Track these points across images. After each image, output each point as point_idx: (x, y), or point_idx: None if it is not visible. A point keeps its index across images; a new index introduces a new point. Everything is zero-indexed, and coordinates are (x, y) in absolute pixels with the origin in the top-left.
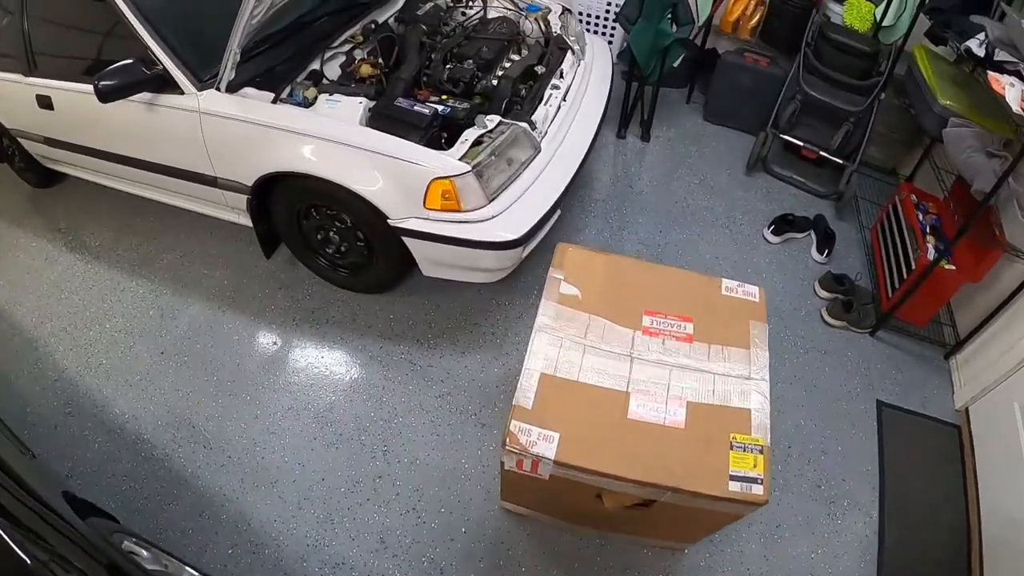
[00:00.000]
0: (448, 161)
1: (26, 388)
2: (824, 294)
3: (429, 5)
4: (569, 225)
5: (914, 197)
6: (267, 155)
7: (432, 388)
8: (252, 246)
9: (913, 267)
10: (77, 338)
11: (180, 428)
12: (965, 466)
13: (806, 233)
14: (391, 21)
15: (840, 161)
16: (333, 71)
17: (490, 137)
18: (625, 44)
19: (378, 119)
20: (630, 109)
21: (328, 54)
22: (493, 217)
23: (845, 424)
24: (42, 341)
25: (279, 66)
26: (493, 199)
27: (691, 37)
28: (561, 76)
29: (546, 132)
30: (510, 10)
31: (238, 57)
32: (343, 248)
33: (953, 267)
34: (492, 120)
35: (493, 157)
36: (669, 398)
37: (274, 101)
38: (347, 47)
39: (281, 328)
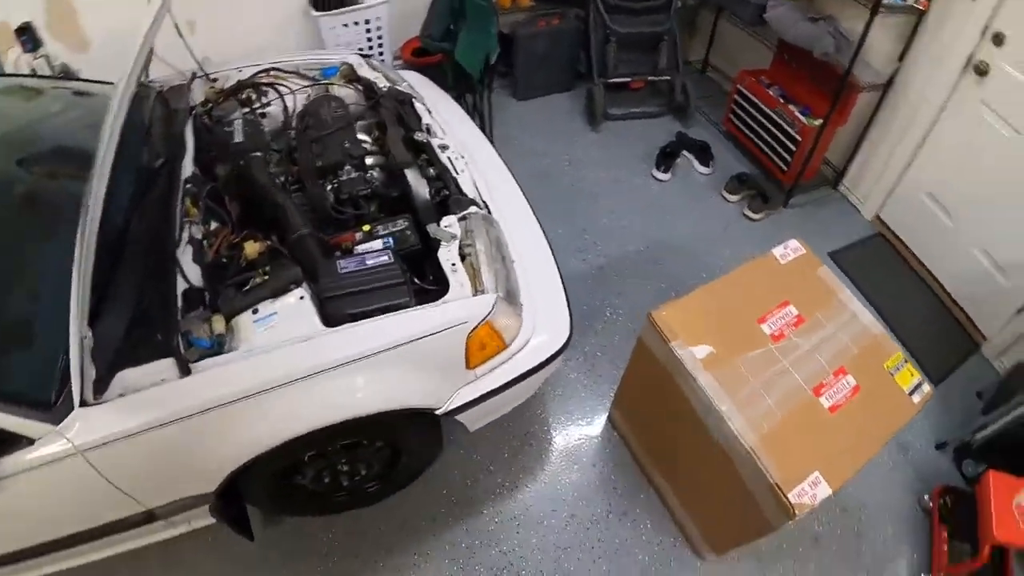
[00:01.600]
0: (472, 303)
1: None
2: (733, 198)
3: (236, 121)
4: None
5: (763, 79)
6: (230, 443)
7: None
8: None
9: (797, 137)
10: None
11: None
12: (906, 257)
13: (682, 156)
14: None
15: (668, 78)
16: (194, 276)
17: (469, 245)
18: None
19: (341, 304)
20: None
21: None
22: (533, 332)
23: None
24: None
25: (138, 315)
26: (521, 308)
27: None
28: (430, 132)
29: (485, 202)
30: (307, 86)
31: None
32: (363, 472)
33: (819, 120)
34: (450, 223)
35: (498, 266)
36: (834, 375)
37: (184, 367)
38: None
39: None
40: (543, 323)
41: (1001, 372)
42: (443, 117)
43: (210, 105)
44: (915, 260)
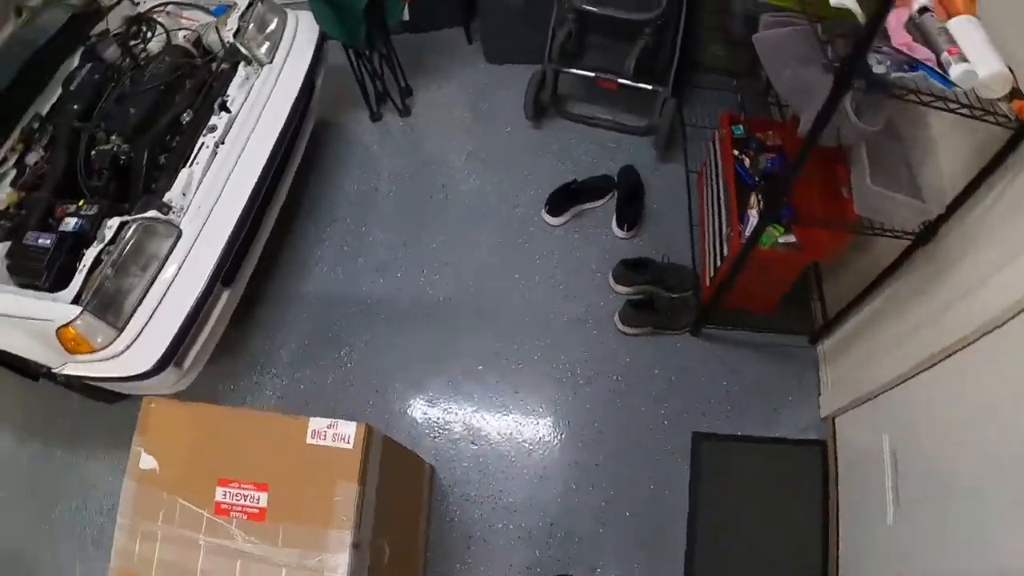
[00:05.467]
0: (58, 308)
1: None
2: (622, 289)
3: (85, 68)
4: (298, 265)
5: (739, 128)
6: None
7: None
8: None
9: (724, 244)
10: None
11: None
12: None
13: (605, 199)
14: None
15: (647, 87)
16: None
17: (108, 252)
18: None
19: (11, 269)
20: (376, 86)
21: None
22: (128, 347)
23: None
24: None
25: None
26: (126, 324)
27: None
28: (226, 109)
29: (188, 206)
30: (195, 28)
31: None
32: None
33: (792, 239)
34: (111, 227)
35: (110, 280)
36: None
37: None
38: (12, 161)
39: None
40: (141, 349)
41: None
42: (265, 86)
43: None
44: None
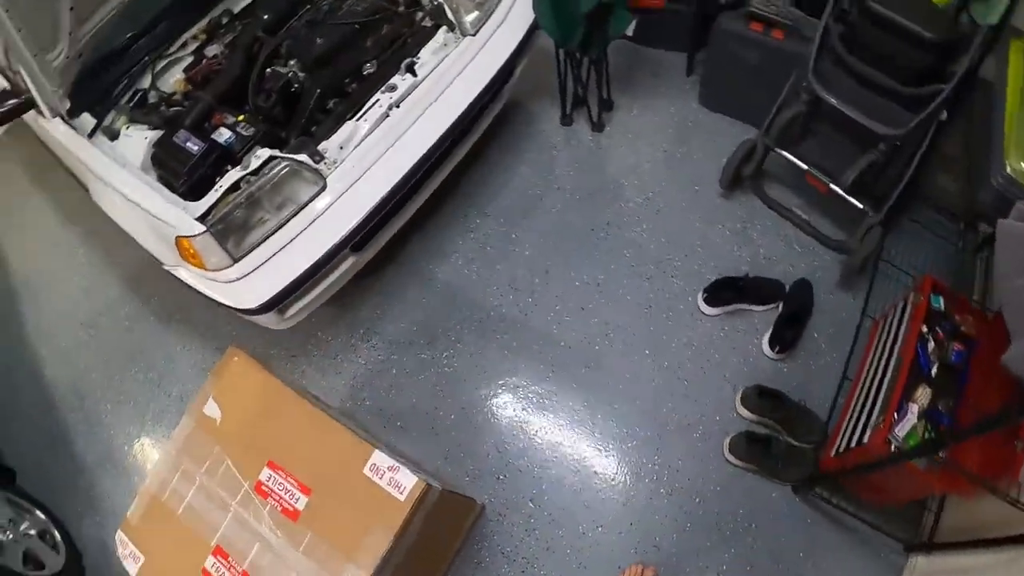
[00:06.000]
0: (184, 219)
1: None
2: (746, 414)
3: None
4: (436, 247)
5: (938, 300)
6: None
7: None
8: None
9: (866, 435)
10: None
11: None
12: None
13: (769, 306)
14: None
15: (858, 204)
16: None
17: (248, 181)
18: None
19: (156, 159)
20: (577, 90)
21: (164, 63)
22: (237, 280)
23: None
24: None
25: (113, 85)
26: (245, 255)
27: None
28: (412, 71)
29: (341, 161)
30: None
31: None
32: None
33: (941, 461)
34: (259, 157)
35: (241, 210)
36: (241, 573)
37: (92, 133)
38: (191, 48)
39: None
40: (252, 285)
41: None
42: (461, 58)
43: None
44: None
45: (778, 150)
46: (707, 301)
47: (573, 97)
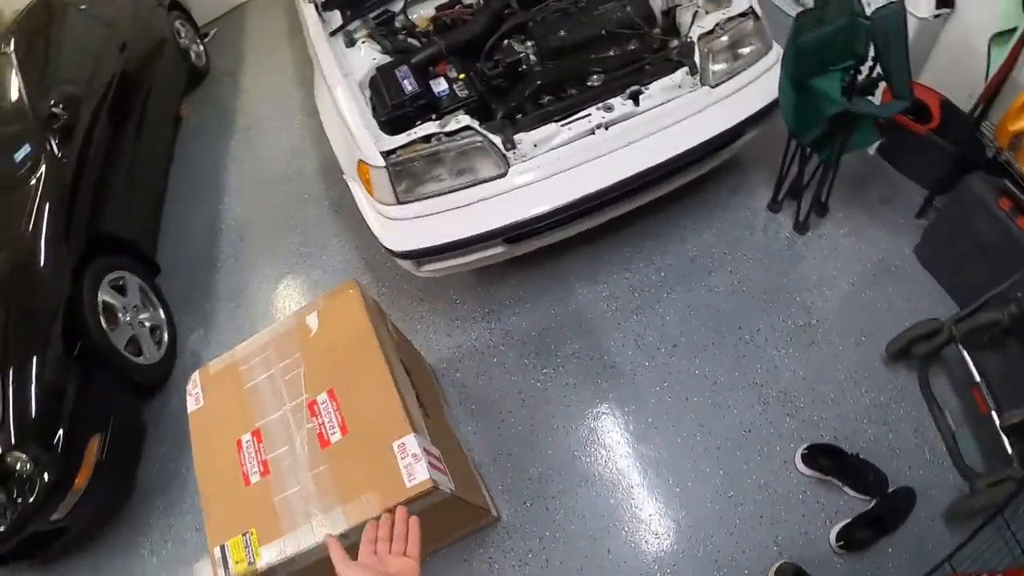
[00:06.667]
0: (371, 148)
1: None
2: None
3: None
4: (589, 270)
5: None
6: None
7: None
8: None
9: None
10: None
11: None
12: None
13: (862, 496)
14: None
15: (1008, 448)
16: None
17: (439, 139)
18: None
19: (374, 80)
20: (797, 180)
21: None
22: (394, 220)
23: None
24: None
25: None
26: (410, 201)
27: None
28: (635, 100)
29: (529, 158)
30: None
31: None
32: None
33: None
34: (459, 122)
35: (424, 161)
36: (263, 461)
37: (334, 32)
38: None
39: None
40: (403, 230)
41: None
42: (690, 106)
43: None
44: None
45: (960, 347)
46: (804, 459)
47: (790, 187)
